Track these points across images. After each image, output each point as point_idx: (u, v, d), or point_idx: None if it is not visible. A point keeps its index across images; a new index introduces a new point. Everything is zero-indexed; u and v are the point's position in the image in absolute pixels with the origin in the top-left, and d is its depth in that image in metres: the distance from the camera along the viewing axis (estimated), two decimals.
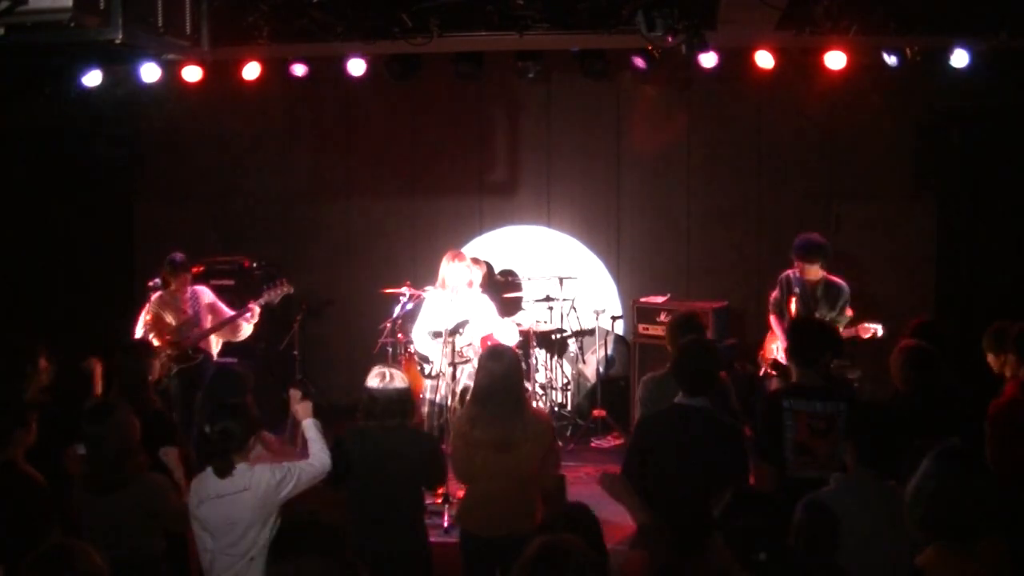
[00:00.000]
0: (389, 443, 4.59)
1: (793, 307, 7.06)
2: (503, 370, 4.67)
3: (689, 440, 4.41)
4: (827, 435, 4.45)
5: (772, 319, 7.30)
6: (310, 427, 4.50)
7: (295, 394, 4.79)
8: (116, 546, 4.08)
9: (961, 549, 2.94)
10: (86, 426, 4.34)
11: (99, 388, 5.57)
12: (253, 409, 4.40)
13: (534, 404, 7.26)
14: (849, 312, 7.06)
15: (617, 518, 4.68)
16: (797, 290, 7.12)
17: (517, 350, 7.71)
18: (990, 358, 5.22)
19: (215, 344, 7.55)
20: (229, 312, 7.45)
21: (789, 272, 7.24)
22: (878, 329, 6.94)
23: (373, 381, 4.65)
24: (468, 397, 5.10)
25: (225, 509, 4.10)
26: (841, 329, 6.72)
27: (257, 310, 7.42)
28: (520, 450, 4.60)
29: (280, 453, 4.80)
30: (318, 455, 4.38)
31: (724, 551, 3.28)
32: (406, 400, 4.67)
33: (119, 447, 4.30)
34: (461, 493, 5.28)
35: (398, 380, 4.66)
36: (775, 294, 7.30)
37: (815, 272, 7.05)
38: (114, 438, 4.29)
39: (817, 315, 6.93)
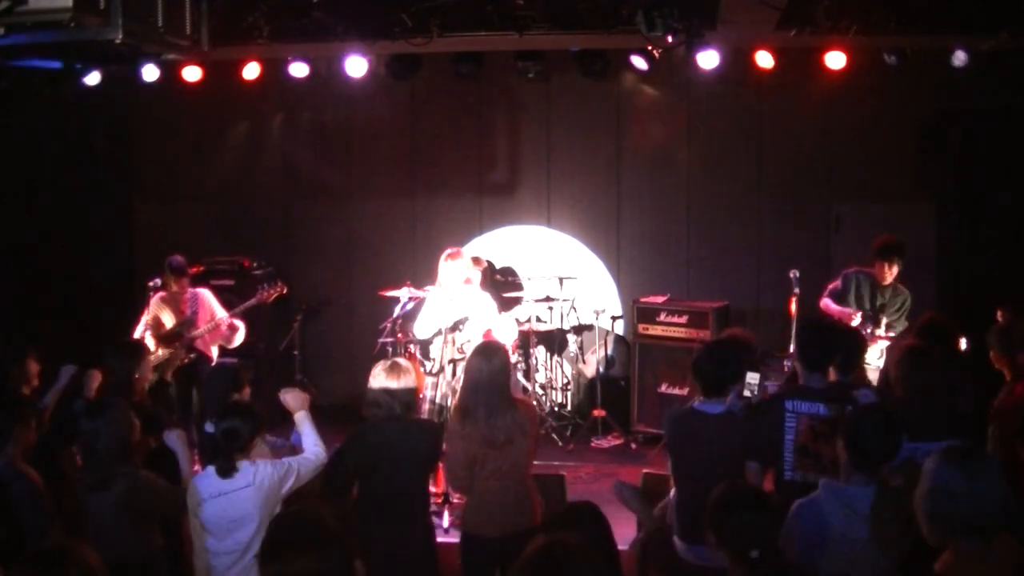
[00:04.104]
0: (397, 436, 4.60)
1: (793, 308, 7.05)
2: (492, 367, 4.67)
3: (704, 443, 4.48)
4: (830, 438, 4.44)
5: (826, 303, 7.19)
6: (303, 419, 4.51)
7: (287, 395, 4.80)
8: (112, 544, 4.06)
9: (976, 548, 2.93)
10: (82, 423, 4.33)
11: (92, 395, 5.55)
12: (258, 409, 4.41)
13: (522, 395, 7.23)
14: (905, 320, 7.05)
15: (618, 522, 4.68)
16: (855, 285, 7.11)
17: (517, 346, 7.74)
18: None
19: (213, 346, 7.60)
20: (223, 315, 7.48)
21: (860, 269, 7.20)
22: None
23: (380, 375, 4.65)
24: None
25: (228, 507, 4.12)
26: (894, 333, 6.80)
27: (237, 324, 7.54)
28: (512, 445, 4.62)
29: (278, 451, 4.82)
30: (312, 448, 4.41)
31: (718, 549, 3.28)
32: (411, 393, 4.67)
33: (113, 444, 4.29)
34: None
35: (405, 373, 4.66)
36: (836, 284, 7.23)
37: (891, 274, 7.03)
38: (109, 435, 4.28)
39: (883, 319, 6.96)
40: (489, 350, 4.82)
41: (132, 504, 4.28)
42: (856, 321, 6.83)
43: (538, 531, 4.56)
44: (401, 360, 4.82)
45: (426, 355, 7.08)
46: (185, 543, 4.67)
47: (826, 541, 3.63)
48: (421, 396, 6.85)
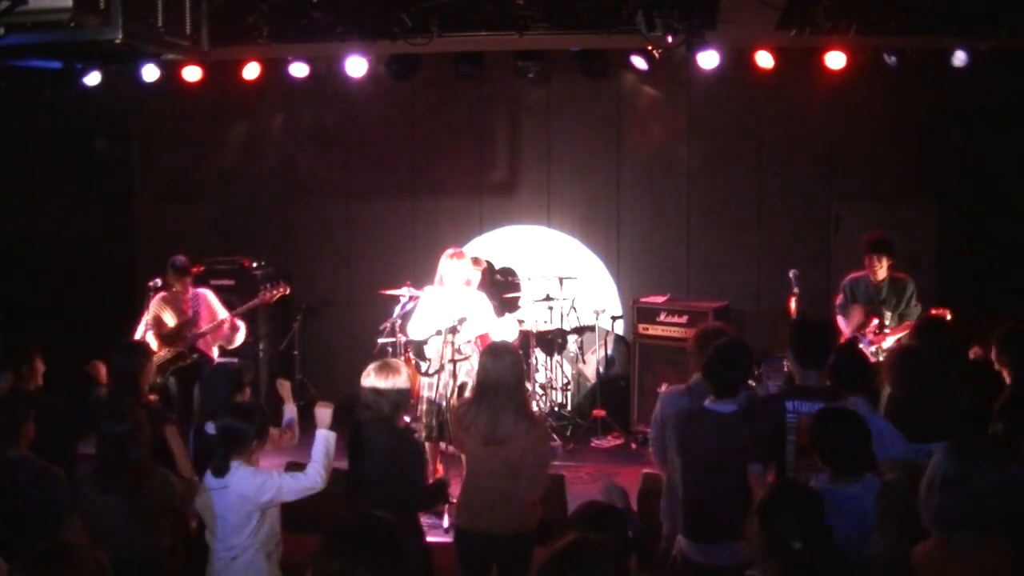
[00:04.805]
0: (380, 438, 4.62)
1: (793, 307, 7.06)
2: (498, 366, 4.74)
3: (714, 441, 4.48)
4: None
5: (839, 320, 7.28)
6: (320, 440, 4.47)
7: (284, 384, 4.84)
8: (122, 545, 4.11)
9: (972, 543, 2.93)
10: (106, 425, 4.31)
11: (104, 389, 5.58)
12: (262, 413, 4.41)
13: (534, 409, 7.24)
14: (917, 306, 7.11)
15: None
16: (851, 291, 7.18)
17: (517, 346, 7.72)
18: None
19: (214, 346, 7.60)
20: (224, 315, 7.49)
21: (853, 275, 7.29)
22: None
23: (370, 374, 4.66)
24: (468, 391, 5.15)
25: (211, 503, 4.21)
26: (910, 322, 6.82)
27: (238, 323, 7.52)
28: (506, 446, 4.64)
29: (278, 442, 4.87)
30: (311, 472, 4.36)
31: (756, 538, 3.26)
32: (400, 393, 4.68)
33: (138, 449, 4.29)
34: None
35: (394, 373, 4.67)
36: (839, 298, 7.33)
37: (882, 269, 7.11)
38: (134, 440, 4.28)
39: (887, 313, 7.03)
40: (497, 349, 4.89)
41: (154, 505, 4.31)
42: (858, 319, 6.87)
43: (533, 538, 4.60)
44: (392, 360, 4.85)
45: (421, 355, 7.07)
46: (190, 540, 4.71)
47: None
48: (419, 397, 6.89)
